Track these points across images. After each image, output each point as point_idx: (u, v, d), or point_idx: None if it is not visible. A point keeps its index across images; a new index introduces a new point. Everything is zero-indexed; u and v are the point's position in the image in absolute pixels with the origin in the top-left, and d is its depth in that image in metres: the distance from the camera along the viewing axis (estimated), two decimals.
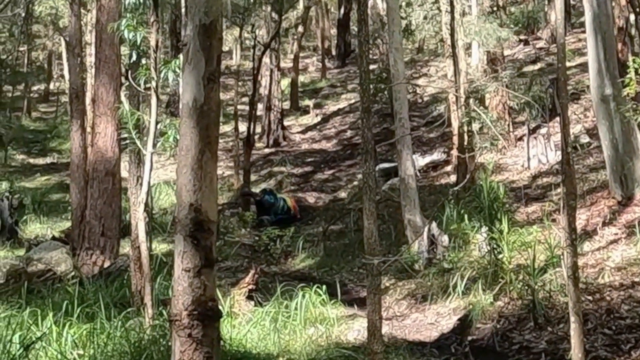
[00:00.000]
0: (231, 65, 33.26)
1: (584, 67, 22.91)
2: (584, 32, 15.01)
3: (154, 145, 9.74)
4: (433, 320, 11.27)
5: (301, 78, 34.06)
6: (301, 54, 34.74)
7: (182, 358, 7.03)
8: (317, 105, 30.84)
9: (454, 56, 16.57)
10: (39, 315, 9.30)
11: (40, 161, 28.81)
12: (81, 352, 8.57)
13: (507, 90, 18.22)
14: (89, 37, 21.26)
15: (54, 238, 16.45)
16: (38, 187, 24.01)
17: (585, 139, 17.05)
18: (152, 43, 9.77)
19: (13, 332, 8.49)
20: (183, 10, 17.70)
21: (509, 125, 19.14)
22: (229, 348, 8.49)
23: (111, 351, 8.35)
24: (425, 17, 20.37)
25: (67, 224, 17.64)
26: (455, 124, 17.05)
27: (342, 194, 20.59)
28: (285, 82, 30.89)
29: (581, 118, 18.04)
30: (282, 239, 16.59)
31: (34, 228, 18.97)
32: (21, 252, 15.65)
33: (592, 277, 10.69)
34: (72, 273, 13.12)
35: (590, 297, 10.17)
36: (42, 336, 8.42)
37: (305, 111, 30.55)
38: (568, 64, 20.72)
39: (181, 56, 7.60)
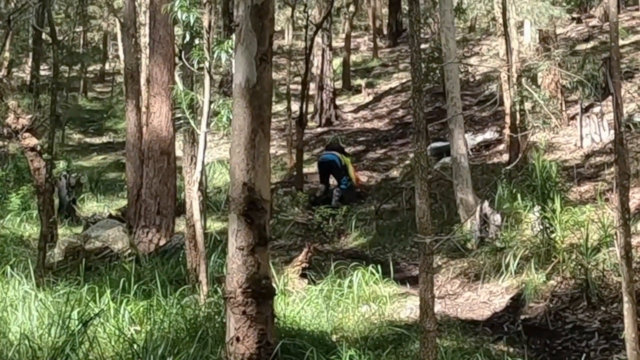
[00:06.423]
0: (283, 45, 33.27)
1: (638, 45, 22.66)
2: (637, 9, 14.84)
3: (208, 125, 9.87)
4: (486, 299, 11.28)
5: (353, 57, 33.98)
6: (353, 34, 34.65)
7: (237, 335, 7.15)
8: (369, 85, 30.78)
9: (506, 35, 16.45)
10: (97, 292, 9.41)
11: (97, 140, 29.18)
12: (138, 328, 8.71)
13: (559, 69, 18.05)
14: (143, 18, 21.41)
15: (110, 216, 16.68)
16: (95, 166, 24.35)
17: (639, 118, 16.82)
18: (205, 24, 9.86)
19: (72, 308, 8.62)
20: None
21: (561, 104, 18.96)
22: (282, 325, 8.56)
23: (167, 327, 8.48)
24: None
25: (124, 202, 17.87)
26: (507, 103, 16.94)
27: (394, 173, 20.59)
28: (337, 62, 30.87)
29: (635, 97, 17.78)
30: (335, 218, 16.67)
31: (91, 206, 19.24)
32: (79, 229, 15.87)
33: None
34: (129, 251, 13.27)
35: None
36: (100, 312, 8.54)
37: (357, 90, 30.52)
38: (621, 42, 20.46)
39: (234, 36, 7.66)
